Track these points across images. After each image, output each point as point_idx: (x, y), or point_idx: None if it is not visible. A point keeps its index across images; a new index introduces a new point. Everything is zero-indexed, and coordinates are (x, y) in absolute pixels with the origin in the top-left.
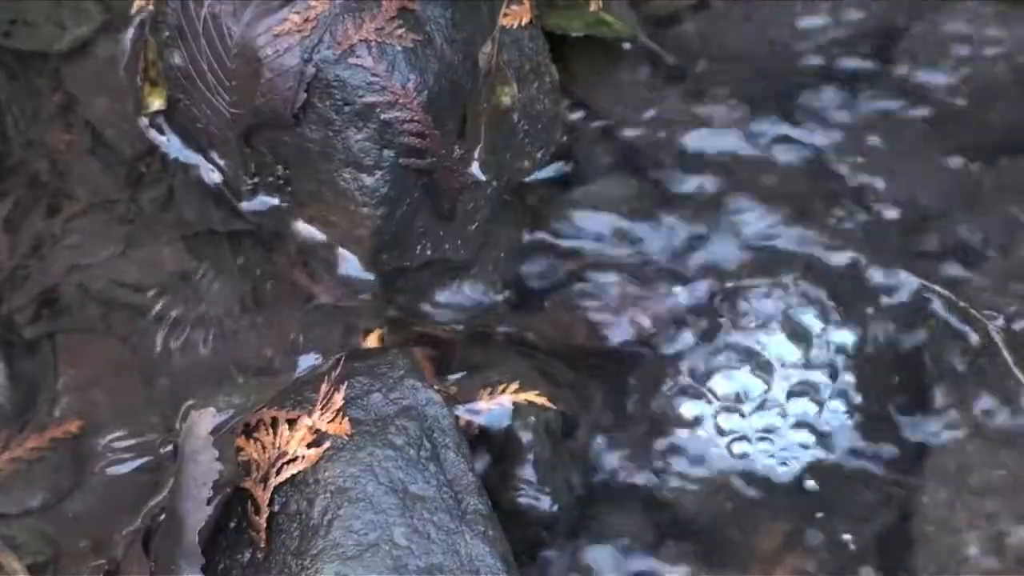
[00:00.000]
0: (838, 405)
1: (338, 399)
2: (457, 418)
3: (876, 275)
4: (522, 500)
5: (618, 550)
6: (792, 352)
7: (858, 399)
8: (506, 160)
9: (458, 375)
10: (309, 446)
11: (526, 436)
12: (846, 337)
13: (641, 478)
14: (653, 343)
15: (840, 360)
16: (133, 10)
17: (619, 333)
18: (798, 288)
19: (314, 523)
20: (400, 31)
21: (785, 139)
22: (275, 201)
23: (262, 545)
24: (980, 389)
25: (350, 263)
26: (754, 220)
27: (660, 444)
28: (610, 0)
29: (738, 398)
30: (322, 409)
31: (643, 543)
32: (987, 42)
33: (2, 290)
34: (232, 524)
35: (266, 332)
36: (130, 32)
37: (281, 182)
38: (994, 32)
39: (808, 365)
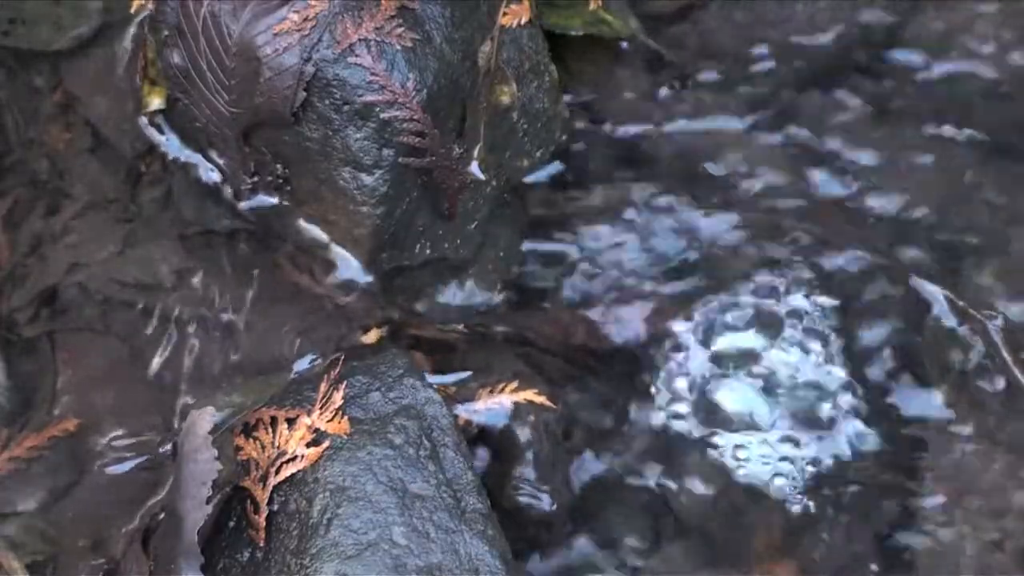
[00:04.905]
0: (838, 404)
1: (337, 398)
2: (456, 417)
3: (876, 274)
4: (521, 499)
5: (617, 549)
6: (792, 352)
7: (858, 399)
8: (505, 159)
9: (457, 374)
10: (308, 445)
11: (525, 435)
12: (846, 337)
13: (640, 477)
14: (652, 342)
15: (840, 360)
16: (132, 9)
17: (618, 332)
18: (798, 287)
19: (313, 522)
20: (399, 30)
21: (784, 137)
22: (274, 200)
23: (261, 544)
24: (979, 389)
25: (349, 262)
26: (754, 219)
27: (659, 443)
28: None
29: (738, 397)
30: (321, 408)
31: (642, 542)
32: (986, 39)
33: (1, 289)
34: (231, 523)
35: (265, 331)
36: (129, 31)
37: (280, 181)
38: (993, 28)
39: (808, 365)
